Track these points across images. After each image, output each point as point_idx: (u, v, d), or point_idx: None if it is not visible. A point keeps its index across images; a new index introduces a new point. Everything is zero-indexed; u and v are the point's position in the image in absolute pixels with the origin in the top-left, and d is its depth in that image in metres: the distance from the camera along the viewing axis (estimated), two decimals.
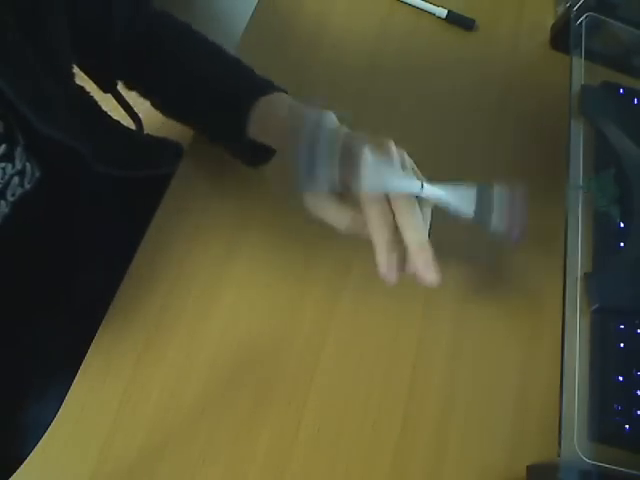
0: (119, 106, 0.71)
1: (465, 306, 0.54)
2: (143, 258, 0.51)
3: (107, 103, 0.62)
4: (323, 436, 0.48)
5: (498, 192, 0.42)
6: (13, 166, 0.41)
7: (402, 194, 0.41)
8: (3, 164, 0.40)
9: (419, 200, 0.42)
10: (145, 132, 0.73)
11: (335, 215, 0.42)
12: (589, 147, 0.59)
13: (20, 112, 0.38)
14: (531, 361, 0.53)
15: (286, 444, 0.47)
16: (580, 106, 0.61)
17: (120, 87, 0.59)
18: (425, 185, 0.41)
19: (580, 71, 0.62)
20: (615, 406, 0.50)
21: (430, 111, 0.63)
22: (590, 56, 0.63)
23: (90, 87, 0.58)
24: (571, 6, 0.65)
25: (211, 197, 0.55)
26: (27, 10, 0.38)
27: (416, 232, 0.41)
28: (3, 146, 0.39)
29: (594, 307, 0.53)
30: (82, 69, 0.53)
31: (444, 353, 0.52)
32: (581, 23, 0.64)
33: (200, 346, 0.49)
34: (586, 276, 0.54)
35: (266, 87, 0.49)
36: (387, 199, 0.41)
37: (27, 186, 0.44)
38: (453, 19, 0.67)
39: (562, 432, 0.48)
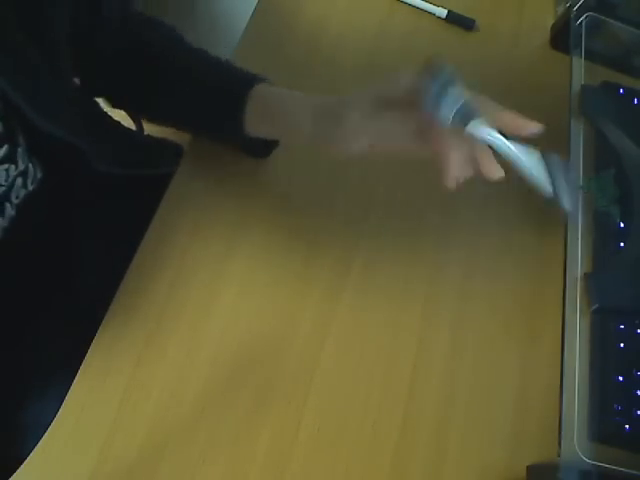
0: None
1: (465, 306, 0.54)
2: (143, 258, 0.51)
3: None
4: (323, 436, 0.48)
5: (554, 159, 0.40)
6: (16, 167, 0.41)
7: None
8: (6, 165, 0.40)
9: None
10: (145, 133, 0.73)
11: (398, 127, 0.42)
12: (589, 147, 0.59)
13: (21, 111, 0.38)
14: (531, 361, 0.53)
15: (286, 444, 0.47)
16: (580, 106, 0.61)
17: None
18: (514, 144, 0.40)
19: (580, 71, 0.62)
20: (615, 406, 0.50)
21: None
22: (590, 56, 0.63)
23: None
24: (571, 6, 0.65)
25: (211, 197, 0.55)
26: (28, 8, 0.38)
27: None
28: (5, 147, 0.39)
29: (594, 307, 0.53)
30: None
31: (444, 353, 0.52)
32: (581, 23, 0.64)
33: (200, 346, 0.49)
34: (586, 276, 0.54)
35: (256, 78, 0.50)
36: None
37: (30, 187, 0.44)
38: (453, 19, 0.67)
39: (562, 432, 0.48)
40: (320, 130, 0.44)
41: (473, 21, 0.68)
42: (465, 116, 0.39)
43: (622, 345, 0.52)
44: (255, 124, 0.48)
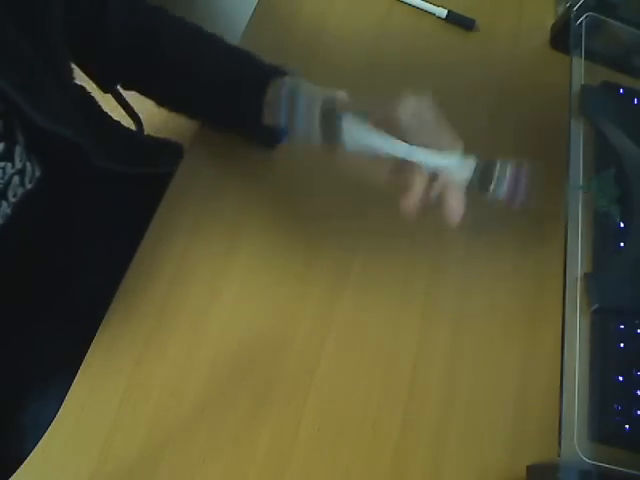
0: (119, 106, 0.71)
1: (465, 306, 0.54)
2: (143, 257, 0.51)
3: (107, 103, 0.62)
4: (323, 436, 0.48)
5: (501, 164, 0.44)
6: (13, 165, 0.41)
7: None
8: (2, 163, 0.40)
9: None
10: (145, 133, 0.73)
11: (371, 168, 0.44)
12: (589, 147, 0.59)
13: (20, 108, 0.38)
14: (531, 361, 0.53)
15: (286, 444, 0.47)
16: (580, 106, 0.61)
17: (119, 88, 0.59)
18: (416, 148, 0.42)
19: (580, 71, 0.62)
20: (615, 406, 0.50)
21: None
22: (590, 56, 0.63)
23: (90, 87, 0.58)
24: (571, 6, 0.65)
25: (211, 197, 0.55)
26: (24, 6, 0.38)
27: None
28: (1, 145, 0.39)
29: (594, 307, 0.53)
30: (82, 68, 0.53)
31: (444, 353, 0.52)
32: (581, 23, 0.64)
33: (200, 345, 0.49)
34: (586, 276, 0.54)
35: (276, 71, 0.50)
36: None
37: (28, 186, 0.44)
38: (453, 19, 0.67)
39: (562, 432, 0.48)
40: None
41: (473, 21, 0.68)
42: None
43: (622, 345, 0.52)
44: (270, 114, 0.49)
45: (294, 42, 0.64)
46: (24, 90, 0.38)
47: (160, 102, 0.55)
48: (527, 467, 0.49)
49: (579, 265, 0.54)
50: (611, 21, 0.66)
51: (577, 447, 0.47)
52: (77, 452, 0.44)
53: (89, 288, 0.56)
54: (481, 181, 0.43)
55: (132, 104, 0.73)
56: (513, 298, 0.56)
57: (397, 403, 0.50)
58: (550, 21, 0.70)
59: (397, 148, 0.42)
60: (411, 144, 0.42)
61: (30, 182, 0.44)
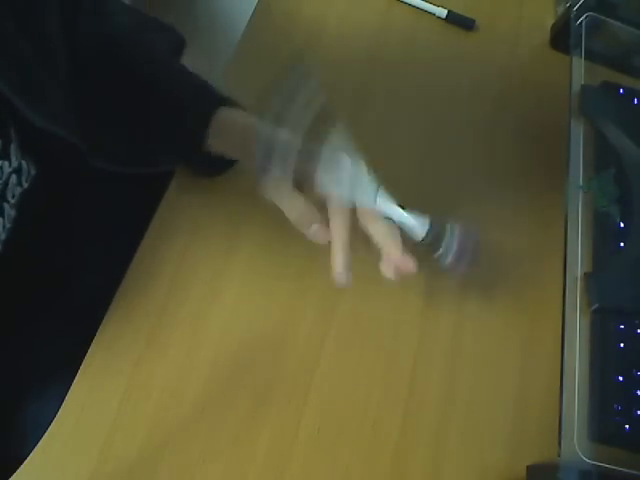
0: None
1: (465, 306, 0.54)
2: (143, 257, 0.51)
3: None
4: (323, 436, 0.48)
5: (451, 227, 0.45)
6: (10, 164, 0.41)
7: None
8: (0, 162, 0.40)
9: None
10: None
11: (288, 204, 0.44)
12: (589, 147, 0.59)
13: (14, 106, 0.38)
14: (531, 361, 0.53)
15: (286, 444, 0.47)
16: (580, 106, 0.61)
17: None
18: (379, 199, 0.44)
19: (580, 71, 0.62)
20: (615, 406, 0.50)
21: (430, 111, 0.63)
22: (590, 56, 0.63)
23: None
24: (571, 6, 0.65)
25: (211, 196, 0.54)
26: (23, 5, 0.38)
27: (385, 228, 0.44)
28: None
29: (594, 307, 0.53)
30: None
31: (444, 352, 0.52)
32: (581, 23, 0.64)
33: (200, 345, 0.49)
34: (586, 276, 0.54)
35: (223, 100, 0.49)
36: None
37: (25, 185, 0.44)
38: (453, 19, 0.67)
39: (562, 432, 0.48)
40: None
41: (473, 21, 0.68)
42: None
43: (622, 345, 0.52)
44: (216, 146, 0.48)
45: (294, 42, 0.64)
46: (23, 90, 0.38)
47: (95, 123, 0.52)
48: (527, 467, 0.49)
49: (579, 265, 0.54)
50: (611, 21, 0.66)
51: (577, 447, 0.47)
52: (77, 452, 0.44)
53: (89, 288, 0.56)
54: (432, 242, 0.44)
55: None
56: (513, 298, 0.56)
57: (397, 403, 0.50)
58: (550, 21, 0.70)
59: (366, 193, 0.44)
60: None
61: (26, 181, 0.44)
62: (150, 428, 0.46)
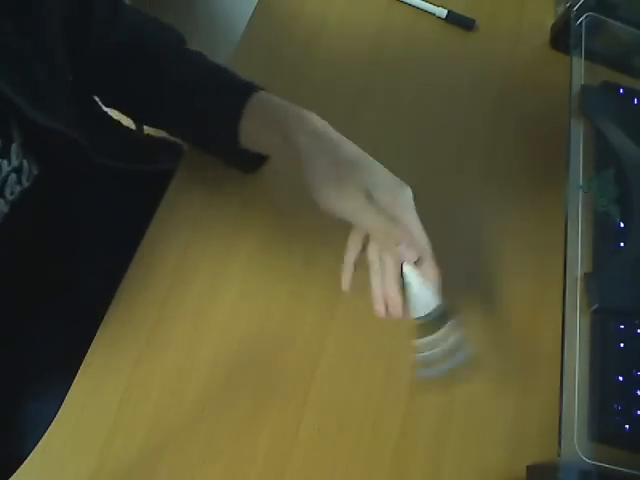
0: None
1: (465, 306, 0.54)
2: (143, 257, 0.51)
3: None
4: (323, 436, 0.48)
5: (455, 329, 0.44)
6: (9, 163, 0.41)
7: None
8: None
9: None
10: (145, 132, 0.73)
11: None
12: (589, 147, 0.59)
13: (16, 105, 0.38)
14: (531, 361, 0.53)
15: (286, 444, 0.47)
16: (580, 106, 0.61)
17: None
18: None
19: (580, 71, 0.62)
20: (615, 406, 0.50)
21: (430, 111, 0.63)
22: (590, 56, 0.63)
23: None
24: (571, 6, 0.65)
25: (211, 196, 0.55)
26: (22, 5, 0.38)
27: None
28: None
29: (594, 307, 0.53)
30: None
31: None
32: (581, 23, 0.64)
33: (200, 345, 0.49)
34: (586, 276, 0.54)
35: (254, 87, 0.49)
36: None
37: (26, 184, 0.44)
38: (453, 19, 0.67)
39: (562, 432, 0.48)
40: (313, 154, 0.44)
41: (473, 21, 0.68)
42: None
43: (622, 345, 0.52)
44: (251, 135, 0.48)
45: (294, 42, 0.64)
46: (23, 89, 0.38)
47: (143, 120, 0.55)
48: (527, 467, 0.49)
49: (579, 265, 0.54)
50: (611, 21, 0.66)
51: (577, 447, 0.47)
52: (77, 452, 0.44)
53: (89, 288, 0.56)
54: (432, 324, 0.44)
55: None
56: (513, 298, 0.56)
57: (397, 403, 0.50)
58: (550, 21, 0.70)
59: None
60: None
61: (27, 180, 0.44)
62: (150, 428, 0.46)
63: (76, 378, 0.46)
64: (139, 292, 0.50)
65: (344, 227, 0.56)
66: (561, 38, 0.67)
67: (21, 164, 0.43)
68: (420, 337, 0.44)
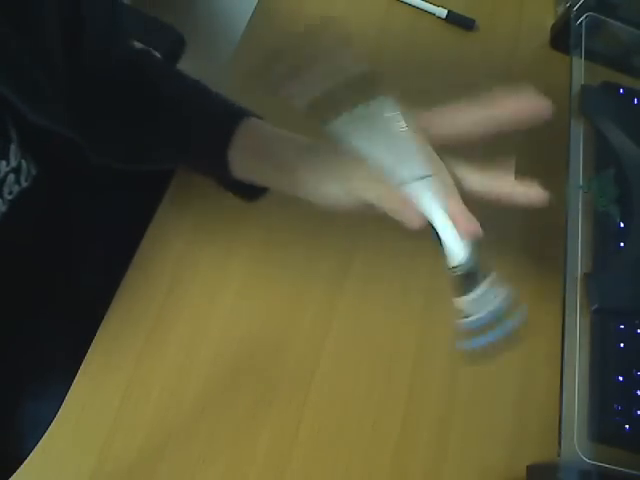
0: None
1: None
2: (143, 257, 0.51)
3: None
4: (323, 436, 0.48)
5: (496, 282, 0.38)
6: (8, 163, 0.41)
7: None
8: None
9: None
10: None
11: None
12: (589, 147, 0.59)
13: (15, 106, 0.38)
14: (531, 361, 0.53)
15: (286, 444, 0.47)
16: (580, 106, 0.61)
17: None
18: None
19: (580, 71, 0.62)
20: (615, 406, 0.50)
21: (430, 111, 0.63)
22: (590, 56, 0.63)
23: None
24: (571, 6, 0.65)
25: (211, 196, 0.54)
26: (18, 5, 0.38)
27: None
28: None
29: (594, 307, 0.53)
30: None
31: (444, 352, 0.52)
32: (581, 23, 0.64)
33: (200, 345, 0.49)
34: (586, 276, 0.54)
35: (245, 112, 0.47)
36: None
37: (24, 184, 0.44)
38: (453, 19, 0.67)
39: (562, 432, 0.48)
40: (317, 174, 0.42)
41: (473, 21, 0.68)
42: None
43: (622, 345, 0.52)
44: (243, 162, 0.46)
45: (294, 42, 0.64)
46: (20, 89, 0.38)
47: (131, 153, 0.50)
48: (527, 467, 0.49)
49: (579, 265, 0.54)
50: (611, 21, 0.66)
51: (577, 447, 0.47)
52: (77, 452, 0.44)
53: (89, 288, 0.56)
54: (465, 279, 0.38)
55: None
56: (513, 298, 0.56)
57: (397, 403, 0.50)
58: (550, 21, 0.70)
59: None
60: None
61: (26, 180, 0.44)
62: (150, 428, 0.46)
63: (76, 378, 0.46)
64: (139, 292, 0.50)
65: (344, 227, 0.56)
66: (561, 38, 0.67)
67: (19, 164, 0.43)
68: (460, 295, 0.38)
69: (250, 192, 0.49)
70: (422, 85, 0.65)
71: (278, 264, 0.53)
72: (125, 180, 0.55)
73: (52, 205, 0.50)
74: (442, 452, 0.49)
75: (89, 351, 0.47)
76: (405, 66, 0.65)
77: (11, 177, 0.42)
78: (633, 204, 0.57)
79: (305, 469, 0.46)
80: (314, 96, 0.39)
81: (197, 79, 0.51)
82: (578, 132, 0.59)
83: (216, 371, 0.48)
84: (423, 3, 0.67)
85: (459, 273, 0.38)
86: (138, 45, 0.53)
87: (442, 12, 0.67)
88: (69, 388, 0.46)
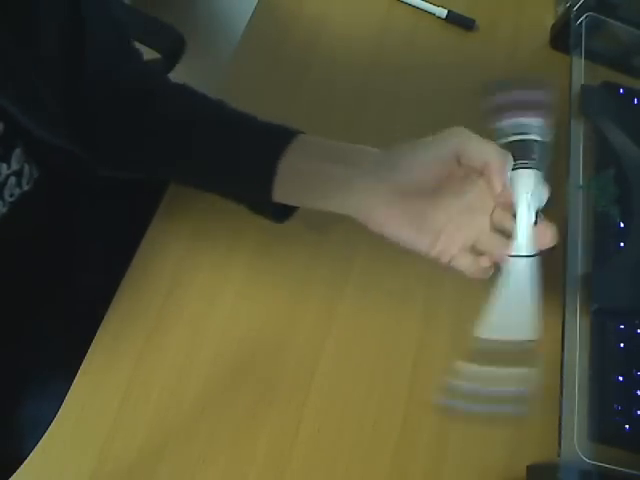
0: None
1: (465, 306, 0.54)
2: (143, 257, 0.51)
3: None
4: (323, 436, 0.48)
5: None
6: (9, 166, 0.41)
7: None
8: None
9: None
10: None
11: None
12: (589, 147, 0.59)
13: (17, 117, 0.38)
14: (531, 361, 0.53)
15: (286, 444, 0.47)
16: (580, 106, 0.61)
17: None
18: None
19: (580, 71, 0.62)
20: (615, 406, 0.50)
21: (430, 111, 0.63)
22: (590, 56, 0.63)
23: None
24: (571, 6, 0.65)
25: (211, 196, 0.54)
26: (15, 13, 0.38)
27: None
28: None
29: (594, 307, 0.53)
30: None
31: (444, 352, 0.52)
32: (581, 23, 0.64)
33: (200, 345, 0.49)
34: (586, 276, 0.54)
35: (284, 135, 0.44)
36: None
37: (26, 187, 0.44)
38: (453, 19, 0.67)
39: (562, 432, 0.48)
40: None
41: (473, 21, 0.68)
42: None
43: (622, 345, 0.52)
44: (287, 189, 0.43)
45: (294, 42, 0.64)
46: (20, 100, 0.38)
47: (152, 172, 0.48)
48: (527, 467, 0.49)
49: (579, 265, 0.54)
50: (611, 21, 0.66)
51: (577, 447, 0.47)
52: (77, 452, 0.44)
53: (89, 288, 0.56)
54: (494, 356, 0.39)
55: None
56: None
57: (397, 403, 0.50)
58: (550, 21, 0.70)
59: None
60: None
61: (27, 183, 0.44)
62: (150, 428, 0.46)
63: (76, 378, 0.46)
64: (139, 292, 0.50)
65: (344, 227, 0.56)
66: (561, 38, 0.67)
67: (22, 168, 0.43)
68: (470, 364, 0.40)
69: (281, 213, 0.47)
70: (422, 85, 0.65)
71: (278, 264, 0.53)
72: (125, 182, 0.55)
73: (53, 207, 0.50)
74: (442, 452, 0.49)
75: (89, 351, 0.47)
76: (405, 66, 0.65)
77: (12, 180, 0.42)
78: (633, 204, 0.57)
79: (305, 469, 0.46)
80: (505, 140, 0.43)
81: (225, 105, 0.48)
82: (578, 132, 0.59)
83: (216, 371, 0.48)
84: (423, 3, 0.67)
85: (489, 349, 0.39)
86: (152, 67, 0.51)
87: (442, 12, 0.67)
88: (69, 388, 0.46)
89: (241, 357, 0.49)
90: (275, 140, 0.43)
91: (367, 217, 0.42)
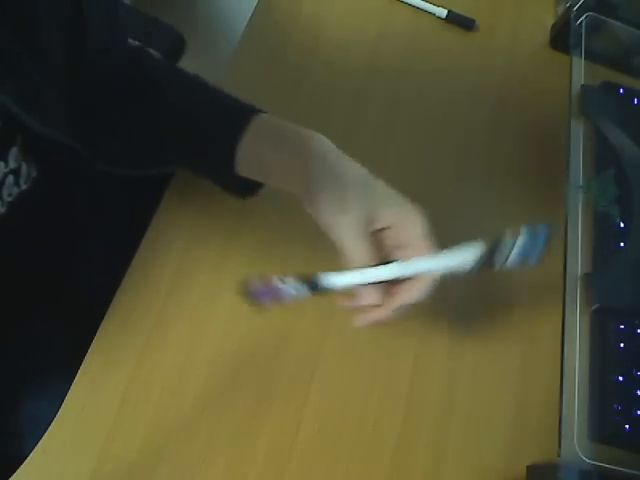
0: None
1: (465, 306, 0.54)
2: (143, 257, 0.51)
3: None
4: (323, 436, 0.48)
5: (511, 235, 0.44)
6: (6, 165, 0.41)
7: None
8: None
9: None
10: None
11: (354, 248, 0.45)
12: (589, 147, 0.59)
13: (17, 114, 0.38)
14: (531, 361, 0.53)
15: (286, 444, 0.47)
16: (580, 106, 0.61)
17: None
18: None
19: (580, 71, 0.62)
20: (615, 406, 0.50)
21: (430, 111, 0.63)
22: (590, 56, 0.63)
23: None
24: (571, 6, 0.65)
25: (211, 196, 0.54)
26: (14, 8, 0.38)
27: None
28: None
29: (594, 307, 0.53)
30: None
31: (444, 353, 0.52)
32: (581, 23, 0.65)
33: (200, 345, 0.49)
34: (586, 276, 0.54)
35: (253, 109, 0.47)
36: None
37: (24, 186, 0.44)
38: (453, 19, 0.67)
39: (562, 432, 0.48)
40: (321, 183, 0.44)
41: (473, 21, 0.68)
42: None
43: (622, 345, 0.52)
44: (249, 157, 0.46)
45: (294, 42, 0.64)
46: (21, 98, 0.38)
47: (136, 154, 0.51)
48: (527, 467, 0.49)
49: (579, 265, 0.54)
50: (611, 21, 0.66)
51: (577, 447, 0.47)
52: (77, 452, 0.44)
53: (89, 288, 0.56)
54: (487, 258, 0.43)
55: None
56: (513, 297, 0.56)
57: (397, 403, 0.50)
58: (550, 21, 0.70)
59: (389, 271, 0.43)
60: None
61: (25, 182, 0.44)
62: (150, 428, 0.46)
63: (76, 378, 0.46)
64: (139, 292, 0.50)
65: None
66: (561, 38, 0.67)
67: (19, 166, 0.43)
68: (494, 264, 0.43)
69: (246, 189, 0.50)
70: (421, 85, 0.65)
71: (278, 264, 0.53)
72: (125, 181, 0.55)
73: (52, 206, 0.50)
74: (442, 452, 0.49)
75: (89, 351, 0.47)
76: (405, 66, 0.65)
77: (10, 179, 0.42)
78: (633, 204, 0.57)
79: (305, 469, 0.47)
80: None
81: (196, 75, 0.51)
82: (578, 132, 0.59)
83: (216, 371, 0.48)
84: (423, 3, 0.67)
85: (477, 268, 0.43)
86: (134, 43, 0.53)
87: (442, 12, 0.67)
88: (69, 388, 0.46)
89: (241, 357, 0.49)
90: (234, 122, 0.46)
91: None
